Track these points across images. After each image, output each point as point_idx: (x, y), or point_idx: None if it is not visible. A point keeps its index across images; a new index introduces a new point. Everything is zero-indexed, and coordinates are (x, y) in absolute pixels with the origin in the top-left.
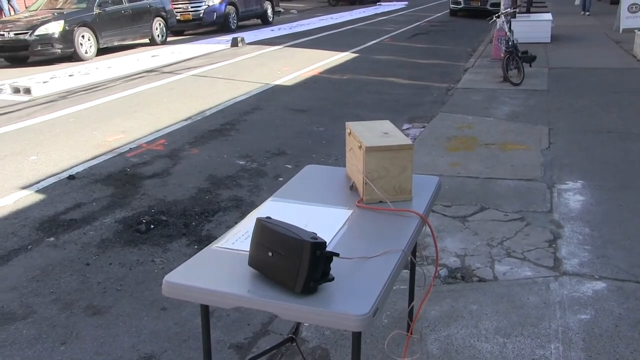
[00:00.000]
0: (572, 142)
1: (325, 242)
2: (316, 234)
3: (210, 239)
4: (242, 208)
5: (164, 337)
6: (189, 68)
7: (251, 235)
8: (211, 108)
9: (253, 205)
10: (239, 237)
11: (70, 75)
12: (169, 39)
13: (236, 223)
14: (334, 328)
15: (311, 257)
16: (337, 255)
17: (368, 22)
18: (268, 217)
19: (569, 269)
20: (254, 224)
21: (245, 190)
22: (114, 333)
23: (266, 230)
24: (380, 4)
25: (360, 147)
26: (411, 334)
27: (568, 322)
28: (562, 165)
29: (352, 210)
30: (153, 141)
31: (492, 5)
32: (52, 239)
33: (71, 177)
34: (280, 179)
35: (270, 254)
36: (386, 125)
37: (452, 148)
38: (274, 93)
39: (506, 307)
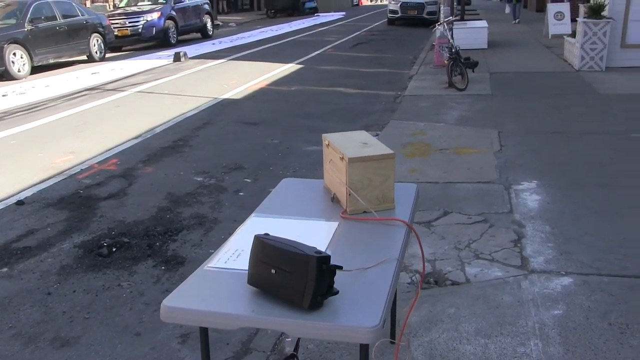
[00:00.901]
0: (522, 143)
1: (329, 256)
2: (316, 248)
3: (176, 258)
4: (205, 225)
5: None
6: (133, 84)
7: (249, 253)
8: (161, 125)
9: (216, 222)
10: (229, 256)
11: (4, 95)
12: (107, 55)
13: (201, 241)
14: (344, 342)
15: (317, 271)
16: (340, 268)
17: (308, 33)
18: (266, 234)
19: (536, 267)
20: (243, 241)
21: (206, 207)
22: None
23: (267, 248)
24: (319, 15)
25: (342, 158)
26: (399, 341)
27: (543, 318)
28: (515, 166)
29: (337, 222)
30: (104, 161)
31: (429, 14)
32: (5, 269)
33: (20, 203)
34: (241, 193)
35: (273, 271)
36: (363, 135)
37: (409, 154)
38: (224, 107)
39: (483, 308)
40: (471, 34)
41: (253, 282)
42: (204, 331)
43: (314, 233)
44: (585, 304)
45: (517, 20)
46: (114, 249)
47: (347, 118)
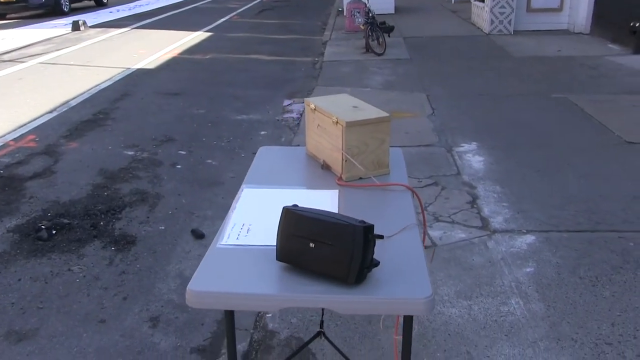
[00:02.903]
0: (452, 107)
1: (373, 225)
2: (355, 218)
3: (126, 237)
4: (149, 201)
5: (113, 352)
6: (33, 55)
7: (278, 226)
8: (75, 97)
9: (159, 197)
10: (239, 232)
11: None
12: None
13: (148, 218)
14: (394, 314)
15: (364, 242)
16: (381, 237)
17: (208, 0)
18: (295, 205)
19: (497, 227)
20: (247, 215)
21: (145, 182)
22: (53, 358)
23: (303, 220)
24: None
25: (336, 122)
26: (395, 335)
27: (517, 276)
28: (451, 129)
29: (337, 190)
30: (20, 138)
31: None
32: None
33: None
34: (178, 166)
35: (312, 244)
36: (348, 98)
37: None
38: (139, 77)
39: (457, 270)
40: None
41: (284, 258)
42: (230, 314)
43: (319, 203)
44: (552, 260)
45: None
46: (54, 232)
47: (271, 85)
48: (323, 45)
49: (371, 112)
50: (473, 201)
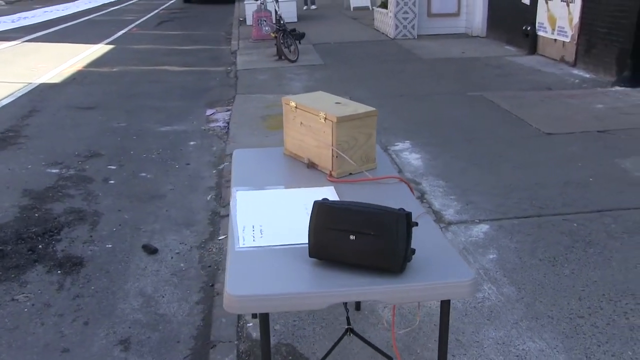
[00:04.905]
0: (378, 108)
1: (411, 213)
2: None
3: (71, 259)
4: (88, 219)
5: None
6: None
7: (309, 222)
8: None
9: (99, 215)
10: (252, 234)
11: None
12: None
13: (91, 237)
14: (440, 299)
15: (407, 230)
16: (416, 224)
17: (102, 12)
18: (325, 199)
19: (452, 219)
20: (252, 216)
21: (79, 200)
22: None
23: (341, 213)
24: None
25: (325, 118)
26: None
27: (483, 264)
28: (384, 129)
29: (332, 186)
30: None
31: None
32: None
33: None
34: (112, 181)
35: (352, 237)
36: (327, 95)
37: (272, 127)
38: (45, 92)
39: None
40: (282, 7)
41: (319, 254)
42: (265, 317)
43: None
44: (510, 245)
45: (311, 7)
46: None
47: (188, 96)
48: (233, 55)
49: (356, 107)
50: (422, 196)
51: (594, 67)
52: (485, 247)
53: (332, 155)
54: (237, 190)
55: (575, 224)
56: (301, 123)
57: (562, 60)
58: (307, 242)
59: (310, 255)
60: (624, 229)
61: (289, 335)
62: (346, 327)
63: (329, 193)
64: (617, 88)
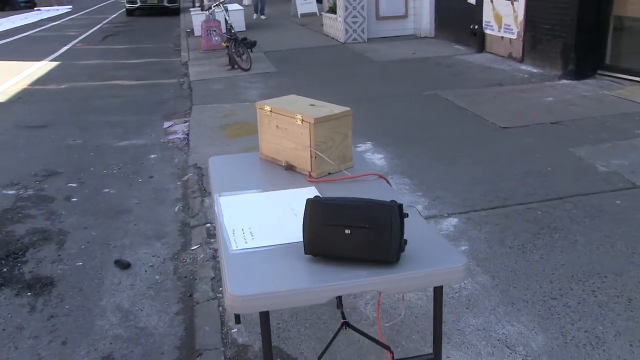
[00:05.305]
0: None
1: (402, 203)
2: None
3: (41, 279)
4: (54, 239)
5: None
6: None
7: (303, 220)
8: None
9: (65, 233)
10: (243, 237)
11: None
12: None
13: (59, 256)
14: (433, 287)
15: (401, 220)
16: (407, 215)
17: (41, 28)
18: (317, 196)
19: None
20: (239, 219)
21: (42, 220)
22: None
23: (336, 208)
24: (40, 9)
25: (301, 121)
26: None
27: None
28: None
29: (314, 186)
30: None
31: (170, 2)
32: None
33: None
34: (74, 199)
35: (348, 231)
36: (299, 98)
37: (233, 135)
38: None
39: None
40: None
41: (315, 250)
42: (265, 316)
43: (303, 201)
44: (480, 236)
45: (261, 16)
46: None
47: (143, 109)
48: (184, 66)
49: (331, 108)
50: None
51: (540, 62)
52: (457, 240)
53: (311, 156)
54: (220, 196)
55: (539, 212)
56: (277, 126)
57: (510, 56)
58: (298, 240)
59: (306, 252)
60: (584, 214)
61: (274, 337)
62: (342, 321)
63: (311, 193)
64: (564, 81)
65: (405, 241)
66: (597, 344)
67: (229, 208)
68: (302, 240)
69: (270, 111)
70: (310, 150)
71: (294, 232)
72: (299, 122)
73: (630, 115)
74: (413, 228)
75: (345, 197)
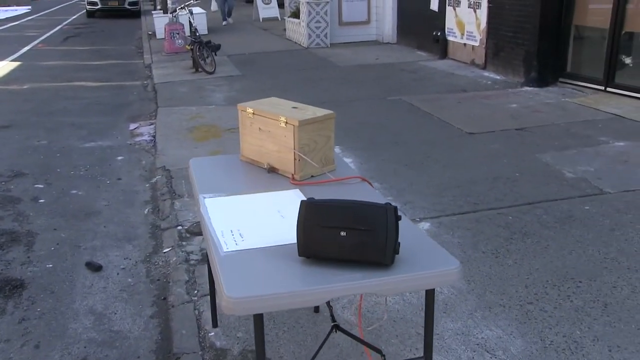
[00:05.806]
0: None
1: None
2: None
3: (10, 281)
4: (22, 240)
5: None
6: None
7: (297, 222)
8: None
9: (33, 235)
10: (234, 239)
11: None
12: None
13: (29, 258)
14: (431, 287)
15: (396, 222)
16: (400, 218)
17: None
18: (311, 198)
19: None
20: (227, 221)
21: (9, 221)
22: None
23: (330, 210)
24: None
25: (286, 123)
26: (361, 299)
27: None
28: None
29: (298, 189)
30: None
31: (131, 4)
32: None
33: None
34: (41, 200)
35: (343, 233)
36: (281, 100)
37: (200, 138)
38: None
39: None
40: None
41: (308, 252)
42: (259, 318)
43: (289, 203)
44: (453, 240)
45: (229, 20)
46: None
47: (108, 111)
48: (147, 68)
49: (314, 110)
50: None
51: (503, 69)
52: None
53: (295, 159)
54: (204, 198)
55: (510, 217)
56: (259, 129)
57: (473, 63)
58: (290, 241)
59: (300, 254)
60: (554, 219)
61: (252, 341)
62: (332, 324)
63: (296, 195)
64: (527, 88)
65: (399, 244)
66: (576, 349)
67: (215, 210)
68: (292, 241)
69: (253, 113)
70: (294, 152)
71: (284, 234)
72: (283, 125)
73: (593, 123)
74: (404, 231)
75: (339, 199)
